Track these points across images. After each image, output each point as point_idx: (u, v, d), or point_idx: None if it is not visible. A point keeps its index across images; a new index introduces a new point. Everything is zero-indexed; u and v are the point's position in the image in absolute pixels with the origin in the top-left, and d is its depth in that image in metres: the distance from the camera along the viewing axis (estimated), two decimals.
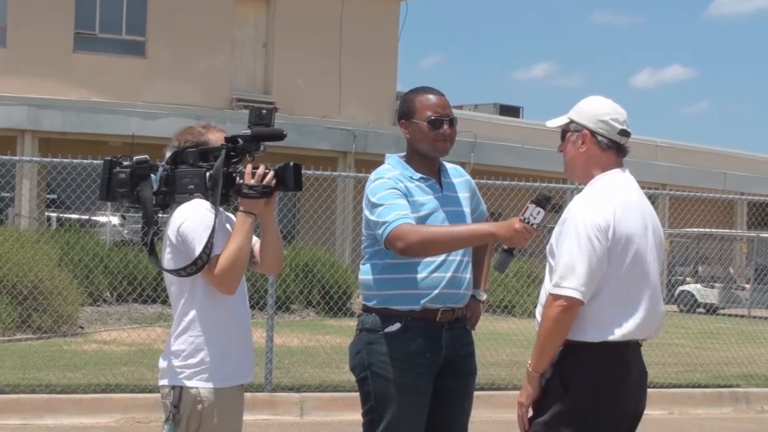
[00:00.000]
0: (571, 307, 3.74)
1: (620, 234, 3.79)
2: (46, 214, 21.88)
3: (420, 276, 4.36)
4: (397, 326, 4.37)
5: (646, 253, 3.87)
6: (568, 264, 3.75)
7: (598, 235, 3.75)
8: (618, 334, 3.79)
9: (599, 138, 3.91)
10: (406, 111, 4.49)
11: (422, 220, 4.35)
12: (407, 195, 4.36)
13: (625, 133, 3.93)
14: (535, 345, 3.85)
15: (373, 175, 4.48)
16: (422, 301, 4.36)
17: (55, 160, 10.86)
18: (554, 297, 3.76)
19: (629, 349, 3.87)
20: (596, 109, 3.93)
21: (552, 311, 3.76)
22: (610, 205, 3.81)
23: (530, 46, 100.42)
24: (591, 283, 3.74)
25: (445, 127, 4.43)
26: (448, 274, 4.39)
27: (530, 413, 3.92)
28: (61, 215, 20.86)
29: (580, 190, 4.02)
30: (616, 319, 3.80)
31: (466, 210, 4.56)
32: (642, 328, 3.86)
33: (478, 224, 4.40)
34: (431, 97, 4.46)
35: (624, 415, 3.91)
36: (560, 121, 4.02)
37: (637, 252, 3.83)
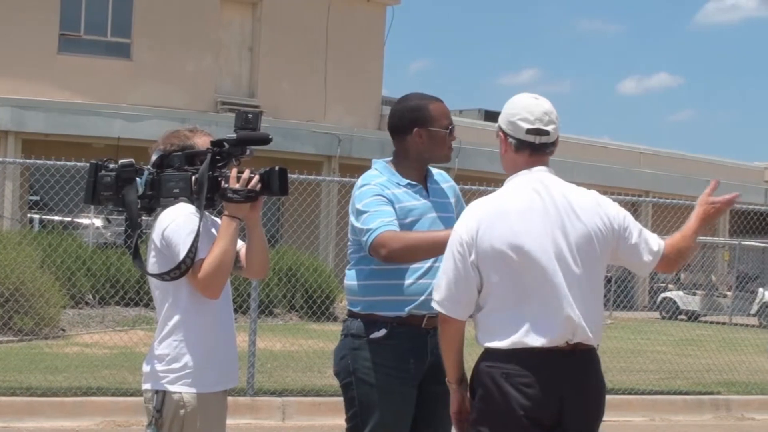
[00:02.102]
0: (443, 320, 3.82)
1: (487, 244, 3.71)
2: (29, 215, 21.81)
3: (406, 282, 4.36)
4: (382, 332, 4.37)
5: (542, 258, 3.72)
6: (438, 277, 3.86)
7: (460, 249, 3.75)
8: (505, 340, 3.73)
9: (510, 139, 3.87)
10: (422, 117, 4.44)
11: (410, 226, 4.35)
12: (394, 201, 4.36)
13: (537, 132, 3.83)
14: None
15: (360, 181, 4.47)
16: (408, 308, 4.36)
17: (38, 161, 10.83)
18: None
19: (539, 355, 3.72)
20: (507, 110, 3.89)
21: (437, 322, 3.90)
22: (476, 217, 3.77)
23: (517, 52, 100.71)
24: (456, 297, 3.76)
25: (454, 135, 4.51)
26: (435, 281, 4.39)
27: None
28: (43, 217, 20.79)
29: None
30: (503, 326, 3.74)
31: (453, 215, 4.57)
32: (536, 334, 3.72)
33: None
34: (444, 107, 4.51)
35: (541, 424, 3.74)
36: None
37: (526, 259, 3.71)
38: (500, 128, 3.91)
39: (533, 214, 3.76)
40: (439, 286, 3.82)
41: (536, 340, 3.71)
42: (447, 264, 3.80)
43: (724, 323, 23.65)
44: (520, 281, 3.73)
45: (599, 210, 3.84)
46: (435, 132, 4.45)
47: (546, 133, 3.84)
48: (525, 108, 3.85)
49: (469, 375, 3.90)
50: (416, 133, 4.46)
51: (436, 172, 4.65)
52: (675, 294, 26.57)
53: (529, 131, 3.82)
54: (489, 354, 3.78)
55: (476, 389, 3.82)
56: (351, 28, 27.37)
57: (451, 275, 3.78)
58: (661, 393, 11.26)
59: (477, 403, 3.82)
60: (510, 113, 3.87)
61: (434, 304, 3.84)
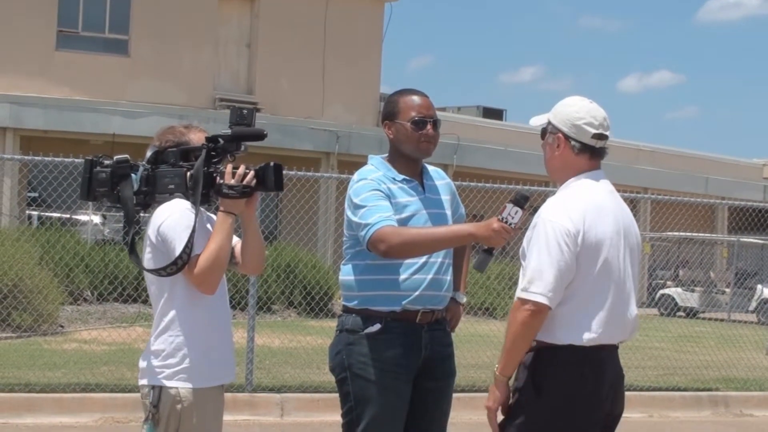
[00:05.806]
0: (538, 311, 3.75)
1: (590, 239, 3.80)
2: (27, 212, 21.78)
3: (401, 277, 4.37)
4: (377, 327, 4.38)
5: (618, 257, 3.88)
6: (536, 269, 3.76)
7: (567, 241, 3.76)
8: (589, 337, 3.81)
9: (572, 142, 3.91)
10: (390, 112, 4.50)
11: (405, 222, 4.35)
12: (390, 196, 4.37)
13: (600, 137, 3.91)
14: (502, 349, 3.86)
15: (356, 176, 4.48)
16: (403, 303, 4.37)
17: (36, 158, 10.81)
18: (522, 301, 3.78)
19: (603, 352, 3.87)
20: (570, 113, 3.92)
21: (519, 315, 3.77)
22: (580, 210, 3.81)
23: (517, 49, 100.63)
24: (559, 288, 3.76)
25: (429, 128, 4.44)
26: (429, 276, 4.40)
27: (501, 416, 3.94)
28: (42, 214, 20.76)
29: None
30: (586, 323, 3.81)
31: (448, 212, 4.57)
32: (613, 332, 3.88)
33: (457, 225, 4.44)
34: (415, 98, 4.48)
35: (598, 418, 3.91)
36: (542, 120, 4.02)
37: (609, 256, 3.84)
38: (558, 130, 3.93)
39: (615, 216, 3.91)
40: (542, 277, 3.75)
41: (611, 338, 3.88)
42: (553, 256, 3.75)
43: (722, 320, 23.64)
44: (606, 277, 3.84)
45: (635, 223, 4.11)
46: (400, 125, 4.46)
47: (606, 138, 3.95)
48: (589, 112, 3.92)
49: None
50: (386, 126, 4.51)
51: (432, 169, 4.66)
52: (673, 291, 26.56)
53: (594, 135, 3.90)
54: (570, 351, 3.81)
55: (551, 387, 3.82)
56: (349, 24, 27.35)
57: (558, 266, 3.75)
58: (660, 389, 11.26)
59: (556, 402, 3.81)
60: (574, 116, 3.91)
61: (537, 296, 3.74)
